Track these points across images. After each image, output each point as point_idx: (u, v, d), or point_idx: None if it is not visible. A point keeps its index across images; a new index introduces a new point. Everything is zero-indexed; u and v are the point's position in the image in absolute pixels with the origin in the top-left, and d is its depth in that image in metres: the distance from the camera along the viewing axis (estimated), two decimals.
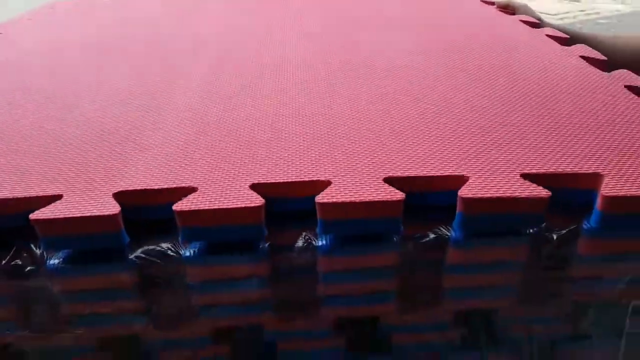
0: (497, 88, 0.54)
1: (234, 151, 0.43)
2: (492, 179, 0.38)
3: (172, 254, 0.38)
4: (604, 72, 0.57)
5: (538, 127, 0.45)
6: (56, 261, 0.37)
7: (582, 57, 0.62)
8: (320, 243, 0.38)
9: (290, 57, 0.66)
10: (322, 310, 0.41)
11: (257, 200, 0.36)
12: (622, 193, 0.36)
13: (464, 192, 0.36)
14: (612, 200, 0.36)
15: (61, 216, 0.35)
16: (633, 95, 0.52)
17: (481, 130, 0.45)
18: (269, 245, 0.38)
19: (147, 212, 0.39)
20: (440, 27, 0.78)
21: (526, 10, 0.86)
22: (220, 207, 0.36)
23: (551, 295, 0.42)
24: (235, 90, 0.56)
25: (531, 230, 0.37)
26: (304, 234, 0.38)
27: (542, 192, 0.36)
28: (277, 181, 0.38)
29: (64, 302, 0.39)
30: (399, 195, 0.36)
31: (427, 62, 0.63)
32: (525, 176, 0.38)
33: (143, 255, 0.37)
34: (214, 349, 0.44)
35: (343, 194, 0.36)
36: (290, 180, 0.38)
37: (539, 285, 0.41)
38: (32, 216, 0.35)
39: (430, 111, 0.49)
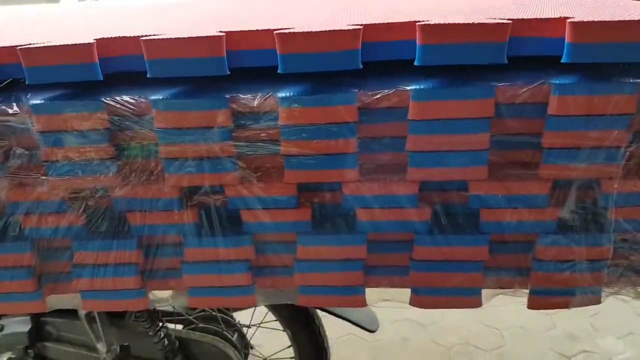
0: None
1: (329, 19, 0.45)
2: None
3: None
4: None
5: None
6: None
7: None
8: (414, 87, 0.38)
9: None
10: (409, 172, 0.41)
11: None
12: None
13: (575, 19, 0.35)
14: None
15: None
16: None
17: None
18: (358, 91, 0.38)
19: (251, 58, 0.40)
20: None
21: None
22: (320, 30, 0.37)
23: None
24: None
25: None
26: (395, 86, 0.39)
27: None
28: (371, 22, 0.38)
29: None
30: (504, 20, 0.35)
31: None
32: None
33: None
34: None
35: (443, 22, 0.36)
36: (388, 21, 0.38)
37: None
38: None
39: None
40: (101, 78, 0.39)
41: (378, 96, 0.39)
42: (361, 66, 0.37)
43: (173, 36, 0.37)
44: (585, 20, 0.34)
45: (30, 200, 0.43)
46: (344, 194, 0.42)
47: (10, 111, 0.40)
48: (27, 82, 0.40)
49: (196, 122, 0.39)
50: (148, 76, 0.38)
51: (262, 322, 1.13)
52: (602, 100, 0.36)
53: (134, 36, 0.39)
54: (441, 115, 0.38)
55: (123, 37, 0.40)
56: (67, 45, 0.38)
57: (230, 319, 1.09)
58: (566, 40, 0.35)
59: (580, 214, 0.41)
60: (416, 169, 0.40)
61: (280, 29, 0.37)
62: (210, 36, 0.37)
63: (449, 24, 0.35)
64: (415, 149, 0.40)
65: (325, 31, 0.36)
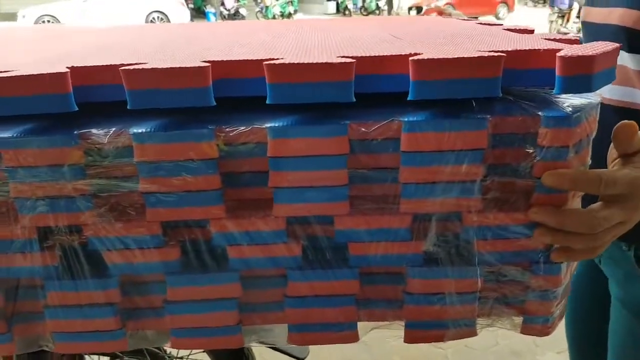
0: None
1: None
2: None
3: None
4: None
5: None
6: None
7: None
8: (269, 125, 0.37)
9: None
10: (275, 209, 0.40)
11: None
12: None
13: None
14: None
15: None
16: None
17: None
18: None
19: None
20: None
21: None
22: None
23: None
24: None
25: None
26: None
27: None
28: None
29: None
30: (348, 60, 0.36)
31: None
32: None
33: None
34: None
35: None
36: (238, 59, 0.38)
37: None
38: None
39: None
40: None
41: (235, 133, 0.38)
42: (214, 103, 0.37)
43: (14, 74, 0.36)
44: (425, 58, 0.35)
45: None
46: (211, 232, 0.41)
47: None
48: None
49: (46, 159, 0.38)
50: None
51: (190, 354, 1.09)
52: (452, 136, 0.37)
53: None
54: (298, 152, 0.38)
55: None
56: None
57: (158, 351, 1.05)
58: (410, 79, 0.35)
59: (444, 247, 0.41)
60: (281, 205, 0.40)
61: (128, 65, 0.36)
62: (53, 73, 0.36)
63: (294, 63, 0.35)
64: (278, 185, 0.39)
65: (172, 68, 0.35)
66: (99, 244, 0.40)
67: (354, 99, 0.36)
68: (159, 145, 0.38)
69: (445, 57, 0.35)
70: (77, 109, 0.37)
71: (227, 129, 0.38)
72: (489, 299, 0.43)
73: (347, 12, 16.97)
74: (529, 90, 0.42)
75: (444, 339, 0.44)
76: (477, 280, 0.41)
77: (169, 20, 11.96)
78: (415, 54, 0.36)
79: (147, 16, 11.68)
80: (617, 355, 0.69)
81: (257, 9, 13.65)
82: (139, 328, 0.44)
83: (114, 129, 0.38)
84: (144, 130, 0.37)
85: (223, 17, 14.64)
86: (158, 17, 11.85)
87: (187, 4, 13.03)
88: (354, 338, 0.44)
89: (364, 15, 16.31)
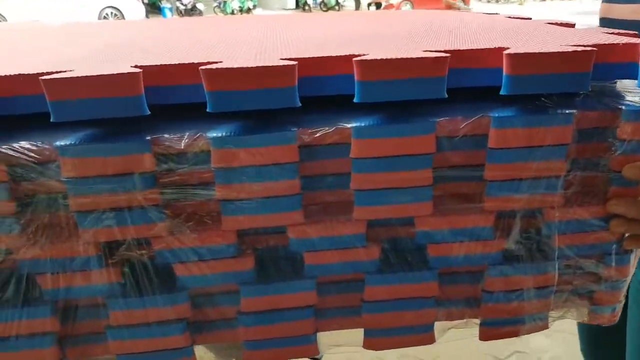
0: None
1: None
2: None
3: None
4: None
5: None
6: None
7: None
8: (354, 124, 0.36)
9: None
10: (356, 211, 0.38)
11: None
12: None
13: (511, 51, 0.35)
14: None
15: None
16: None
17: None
18: None
19: None
20: None
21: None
22: (252, 65, 0.34)
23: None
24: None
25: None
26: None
27: None
28: (306, 56, 0.36)
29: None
30: (442, 54, 0.35)
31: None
32: None
33: None
34: None
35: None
36: (322, 55, 0.36)
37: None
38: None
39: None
40: None
41: (318, 134, 0.36)
42: (299, 104, 0.35)
43: (78, 74, 0.33)
44: (521, 52, 0.34)
45: None
46: (289, 238, 0.39)
47: None
48: None
49: (113, 168, 0.35)
50: (52, 120, 0.33)
51: None
52: (540, 132, 0.36)
53: (32, 74, 0.33)
54: (384, 152, 0.36)
55: (19, 74, 0.34)
56: None
57: None
58: (504, 73, 0.35)
59: (524, 243, 0.41)
60: (362, 208, 0.38)
61: (206, 63, 0.34)
62: (124, 73, 0.33)
63: (386, 59, 0.34)
64: (360, 188, 0.38)
65: (258, 67, 0.33)
66: (170, 257, 0.38)
67: (446, 95, 0.35)
68: (239, 149, 0.35)
69: (541, 51, 0.34)
70: (149, 112, 0.34)
71: (310, 130, 0.36)
72: (564, 292, 0.43)
73: (306, 8, 16.84)
74: (596, 84, 0.42)
75: (519, 334, 0.43)
76: (555, 274, 0.41)
77: (123, 17, 11.52)
78: (506, 48, 0.35)
79: (100, 12, 11.22)
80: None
81: (215, 4, 13.39)
82: (209, 341, 0.42)
83: (187, 133, 0.35)
84: (223, 134, 0.35)
85: (180, 13, 14.23)
86: (112, 12, 11.40)
87: None
88: (431, 340, 0.43)
89: (323, 11, 16.26)
